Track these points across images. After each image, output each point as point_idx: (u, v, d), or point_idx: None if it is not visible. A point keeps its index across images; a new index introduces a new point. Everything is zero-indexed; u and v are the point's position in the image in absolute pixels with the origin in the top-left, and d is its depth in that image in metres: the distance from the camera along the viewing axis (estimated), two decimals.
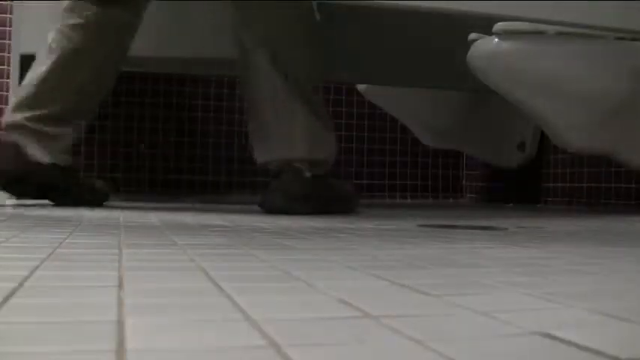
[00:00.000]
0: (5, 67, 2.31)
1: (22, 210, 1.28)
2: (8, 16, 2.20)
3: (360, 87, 2.46)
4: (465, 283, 0.50)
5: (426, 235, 0.93)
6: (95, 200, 1.52)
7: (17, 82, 1.71)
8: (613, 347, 0.30)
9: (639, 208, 1.97)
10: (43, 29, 1.53)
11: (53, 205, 1.45)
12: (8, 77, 2.01)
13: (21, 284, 0.43)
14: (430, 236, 0.92)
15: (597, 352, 0.29)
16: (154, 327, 0.33)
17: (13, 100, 1.53)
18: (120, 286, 0.44)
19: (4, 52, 2.30)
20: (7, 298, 0.38)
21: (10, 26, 2.00)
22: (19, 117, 1.42)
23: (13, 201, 1.53)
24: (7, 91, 1.89)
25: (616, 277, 0.55)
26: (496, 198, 2.51)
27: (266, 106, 1.46)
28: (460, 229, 1.08)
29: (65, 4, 1.47)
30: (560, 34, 1.55)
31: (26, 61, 1.76)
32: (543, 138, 2.28)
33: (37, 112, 1.42)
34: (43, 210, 1.31)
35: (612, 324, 0.36)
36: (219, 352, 0.29)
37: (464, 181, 2.80)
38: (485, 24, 1.58)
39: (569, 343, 0.31)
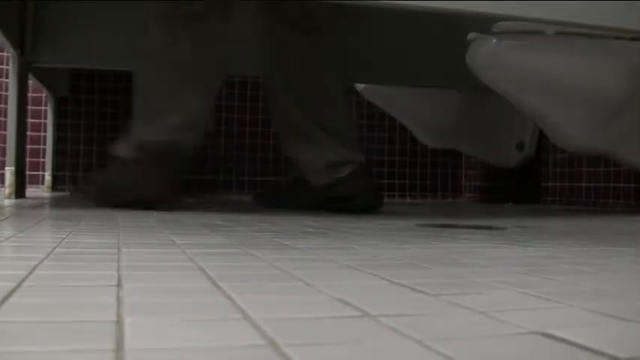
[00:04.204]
0: (4, 66, 2.32)
1: (21, 210, 1.28)
2: None
3: (359, 86, 2.46)
4: (464, 282, 0.50)
5: (426, 235, 0.93)
6: None
7: (16, 82, 1.71)
8: (612, 347, 0.30)
9: (639, 208, 1.97)
10: None
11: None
12: (7, 77, 2.00)
13: (20, 284, 0.43)
14: (429, 236, 0.92)
15: (597, 352, 0.29)
16: (152, 326, 0.33)
17: None
18: (119, 285, 0.44)
19: (3, 51, 2.30)
20: (5, 298, 0.38)
21: None
22: None
23: None
24: (7, 91, 1.88)
25: (616, 277, 0.55)
26: (495, 197, 2.52)
27: None
28: (459, 228, 1.08)
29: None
30: (559, 33, 1.55)
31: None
32: (542, 137, 2.28)
33: None
34: (42, 209, 1.31)
35: (612, 324, 0.36)
36: (218, 352, 0.29)
37: (463, 181, 2.80)
38: (484, 24, 1.58)
39: (568, 342, 0.31)
